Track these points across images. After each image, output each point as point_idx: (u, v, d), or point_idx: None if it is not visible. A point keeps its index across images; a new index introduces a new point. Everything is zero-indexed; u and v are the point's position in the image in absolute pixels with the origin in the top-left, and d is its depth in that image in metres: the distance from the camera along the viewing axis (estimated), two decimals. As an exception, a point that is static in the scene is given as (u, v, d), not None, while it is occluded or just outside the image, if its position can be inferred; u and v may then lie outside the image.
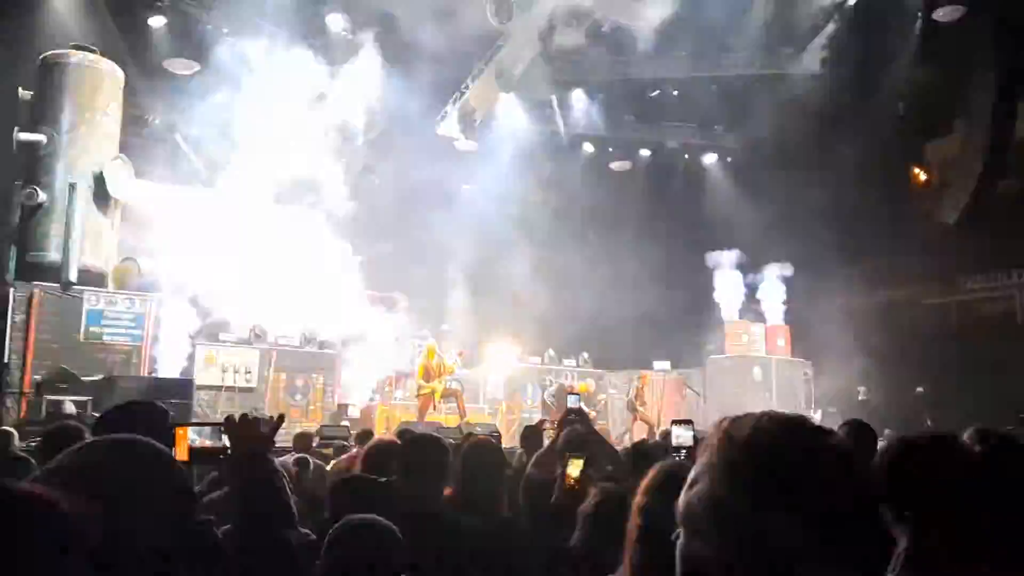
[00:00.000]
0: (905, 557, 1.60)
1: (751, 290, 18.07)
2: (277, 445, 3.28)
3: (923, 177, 19.53)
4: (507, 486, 3.58)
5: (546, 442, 5.12)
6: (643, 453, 4.29)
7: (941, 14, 15.28)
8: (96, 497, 0.95)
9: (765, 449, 0.96)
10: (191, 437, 2.27)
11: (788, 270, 17.52)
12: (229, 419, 1.99)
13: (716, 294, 18.09)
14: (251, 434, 1.99)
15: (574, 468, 3.27)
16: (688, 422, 3.74)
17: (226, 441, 2.07)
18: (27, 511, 0.79)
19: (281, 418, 2.12)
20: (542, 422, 6.82)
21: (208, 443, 2.24)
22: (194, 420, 9.66)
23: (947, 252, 17.64)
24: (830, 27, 16.29)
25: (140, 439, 1.24)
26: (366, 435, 7.77)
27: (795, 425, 1.00)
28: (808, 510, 0.92)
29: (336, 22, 16.07)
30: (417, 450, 3.18)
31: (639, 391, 15.81)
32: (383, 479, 3.16)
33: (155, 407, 2.80)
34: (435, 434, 3.72)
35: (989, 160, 16.76)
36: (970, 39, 15.79)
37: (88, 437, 3.05)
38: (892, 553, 1.64)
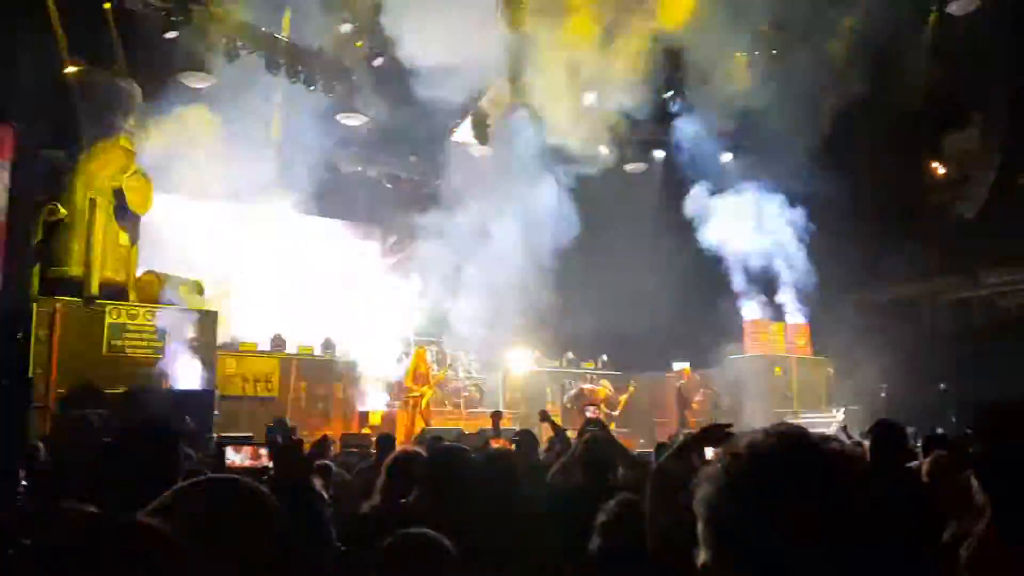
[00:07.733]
0: (988, 524, 1.60)
1: (770, 288, 17.94)
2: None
3: (941, 170, 19.37)
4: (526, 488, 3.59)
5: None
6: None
7: (955, 7, 15.17)
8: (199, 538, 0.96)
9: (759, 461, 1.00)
10: (232, 457, 2.29)
11: (807, 267, 17.38)
12: (274, 443, 2.01)
13: (735, 293, 17.96)
14: (296, 459, 2.00)
15: None
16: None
17: (267, 462, 2.09)
18: (148, 543, 0.80)
19: (324, 439, 2.14)
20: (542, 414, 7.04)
21: (248, 463, 2.26)
22: (226, 434, 9.71)
23: (966, 246, 17.48)
24: (846, 19, 16.17)
25: (242, 481, 1.25)
26: (386, 439, 7.77)
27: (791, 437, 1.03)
28: (799, 519, 0.94)
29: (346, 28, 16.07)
30: (442, 467, 3.15)
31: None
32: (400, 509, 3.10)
33: (166, 431, 2.79)
34: (463, 447, 3.71)
35: (1008, 152, 16.62)
36: (987, 30, 15.65)
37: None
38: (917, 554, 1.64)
